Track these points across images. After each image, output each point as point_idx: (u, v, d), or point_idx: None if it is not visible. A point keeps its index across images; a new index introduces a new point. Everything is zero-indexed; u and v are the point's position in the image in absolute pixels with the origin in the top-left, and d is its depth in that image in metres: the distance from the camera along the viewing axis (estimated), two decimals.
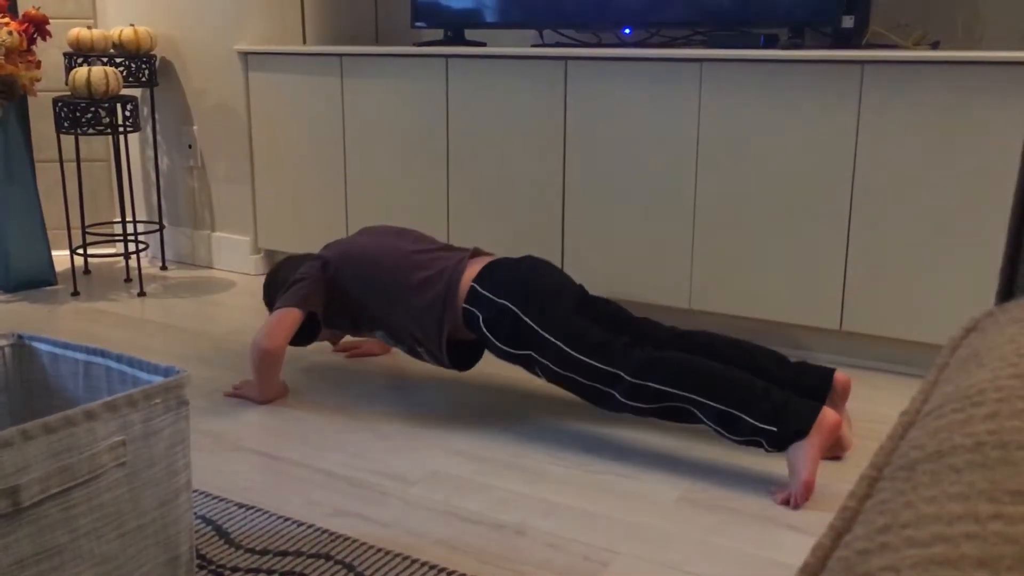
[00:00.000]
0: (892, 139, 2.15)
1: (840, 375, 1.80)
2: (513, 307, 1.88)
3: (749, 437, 1.68)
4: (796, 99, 2.24)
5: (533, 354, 1.86)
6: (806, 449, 1.63)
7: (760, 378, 1.73)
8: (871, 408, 2.00)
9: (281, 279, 2.16)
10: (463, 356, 2.07)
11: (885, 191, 2.18)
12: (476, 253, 2.05)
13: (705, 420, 1.71)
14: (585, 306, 1.97)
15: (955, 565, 0.30)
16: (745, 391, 1.68)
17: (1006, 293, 0.72)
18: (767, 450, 1.67)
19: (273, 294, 2.17)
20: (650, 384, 1.74)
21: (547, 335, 1.84)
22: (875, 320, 2.24)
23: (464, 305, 1.94)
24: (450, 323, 1.97)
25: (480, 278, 1.95)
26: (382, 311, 2.04)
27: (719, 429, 1.70)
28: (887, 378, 2.23)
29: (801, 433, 1.63)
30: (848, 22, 2.32)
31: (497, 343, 1.91)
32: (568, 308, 1.90)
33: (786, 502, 1.63)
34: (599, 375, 1.79)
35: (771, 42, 2.37)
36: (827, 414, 1.64)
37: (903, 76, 2.12)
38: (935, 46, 2.33)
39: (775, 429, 1.65)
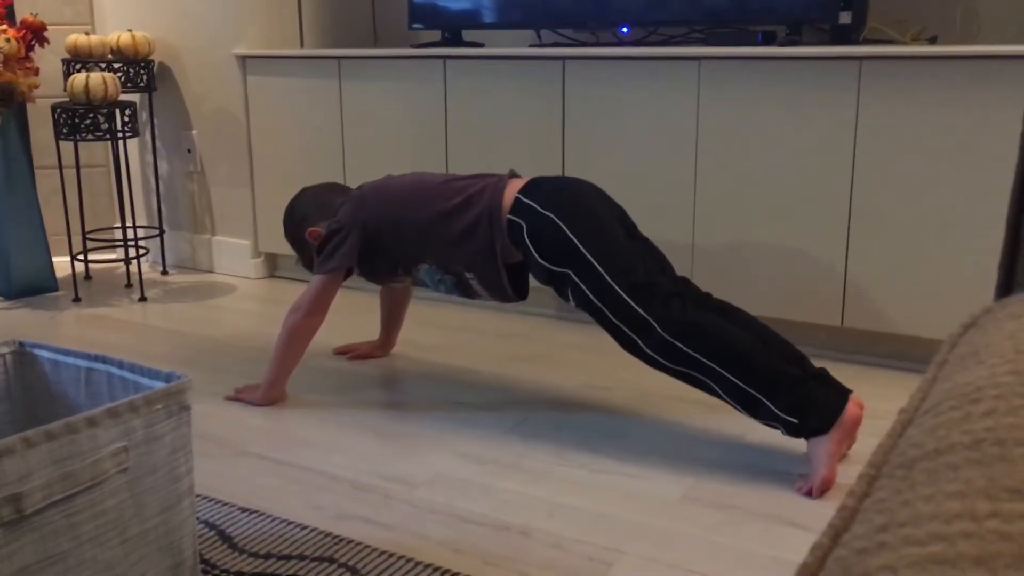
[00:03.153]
0: (891, 134, 2.15)
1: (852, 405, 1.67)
2: (558, 220, 1.80)
3: (768, 421, 1.67)
4: (795, 96, 2.24)
5: (571, 273, 1.78)
6: (825, 446, 1.63)
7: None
8: (872, 404, 1.99)
9: (300, 215, 2.14)
10: (514, 282, 1.95)
11: (884, 186, 2.18)
12: (513, 175, 1.98)
13: (723, 395, 1.69)
14: (632, 239, 1.88)
15: (953, 563, 0.29)
16: (774, 377, 1.65)
17: (1005, 288, 0.72)
18: (784, 433, 1.67)
19: (295, 229, 2.15)
20: (680, 346, 1.68)
21: (590, 256, 1.76)
22: (876, 316, 2.23)
23: (509, 216, 1.86)
24: (500, 238, 1.88)
25: (526, 189, 1.88)
26: (426, 241, 1.95)
27: (738, 407, 1.69)
28: (889, 374, 2.23)
29: (822, 430, 1.63)
30: (845, 18, 2.32)
31: (538, 256, 1.82)
32: (616, 235, 1.82)
33: (808, 493, 1.64)
34: (631, 317, 1.73)
35: (769, 39, 2.37)
36: (850, 409, 1.64)
37: (901, 71, 2.11)
38: (933, 41, 2.33)
39: (796, 421, 1.64)
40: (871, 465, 0.41)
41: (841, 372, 2.21)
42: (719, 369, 1.67)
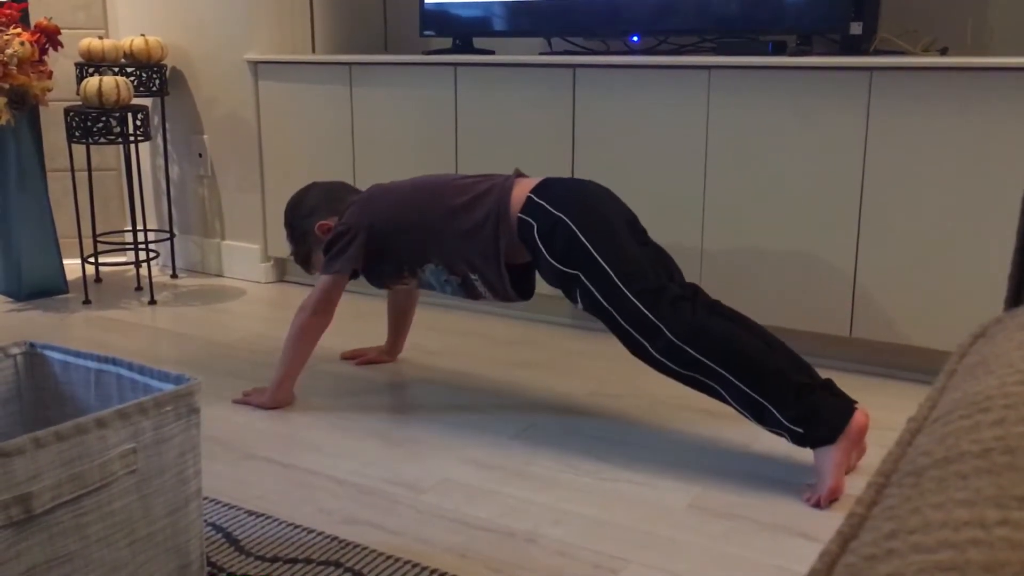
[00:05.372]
0: (901, 145, 2.15)
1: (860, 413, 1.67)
2: (569, 221, 1.80)
3: (774, 429, 1.67)
4: (805, 106, 2.24)
5: (581, 275, 1.78)
6: (832, 456, 1.62)
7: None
8: (881, 415, 1.99)
9: (309, 207, 2.15)
10: (519, 284, 1.96)
11: (894, 197, 2.17)
12: (520, 175, 1.98)
13: (730, 400, 1.68)
14: (643, 245, 1.88)
15: (961, 571, 0.30)
16: (782, 385, 1.64)
17: (1015, 299, 0.72)
18: (790, 442, 1.67)
19: (301, 221, 2.16)
20: (689, 349, 1.68)
21: (600, 259, 1.76)
22: (885, 327, 2.23)
23: (519, 215, 1.86)
24: (506, 239, 1.88)
25: (538, 189, 1.88)
26: (431, 241, 1.96)
27: (745, 413, 1.68)
28: (897, 385, 2.23)
29: (828, 440, 1.63)
30: (856, 29, 2.32)
31: (548, 257, 1.82)
32: (626, 240, 1.82)
33: (816, 504, 1.63)
34: (640, 321, 1.72)
35: (779, 49, 2.37)
36: (856, 419, 1.63)
37: (912, 82, 2.11)
38: (943, 52, 2.33)
39: (802, 431, 1.63)
40: (880, 473, 0.41)
41: (849, 383, 2.21)
42: (727, 375, 1.67)
